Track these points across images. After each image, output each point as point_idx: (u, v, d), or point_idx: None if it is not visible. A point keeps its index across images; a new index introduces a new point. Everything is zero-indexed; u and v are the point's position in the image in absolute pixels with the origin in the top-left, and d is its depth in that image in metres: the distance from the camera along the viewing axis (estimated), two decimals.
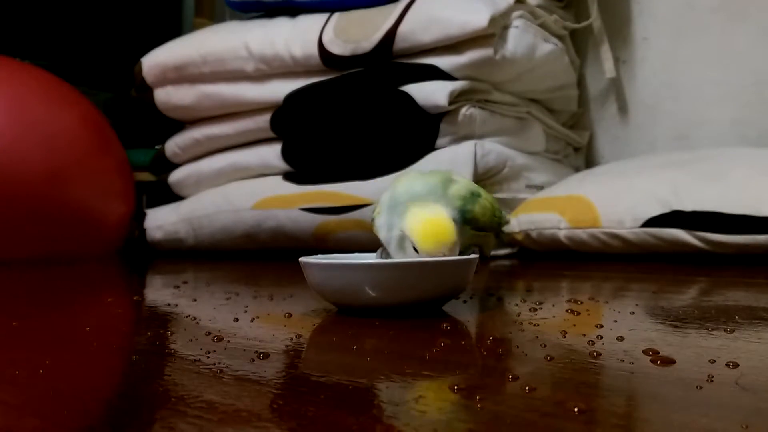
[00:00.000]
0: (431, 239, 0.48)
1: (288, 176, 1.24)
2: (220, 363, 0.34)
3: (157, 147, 1.46)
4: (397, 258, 0.50)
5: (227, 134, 1.30)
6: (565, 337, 0.40)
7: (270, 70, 1.23)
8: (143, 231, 1.40)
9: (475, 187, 0.56)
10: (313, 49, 1.18)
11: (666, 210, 0.94)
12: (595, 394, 0.29)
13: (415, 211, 0.49)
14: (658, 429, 0.24)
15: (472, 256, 0.51)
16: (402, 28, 1.11)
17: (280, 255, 1.20)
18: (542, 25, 1.19)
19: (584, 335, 0.40)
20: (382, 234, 0.52)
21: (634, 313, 0.49)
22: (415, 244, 0.48)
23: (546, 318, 0.47)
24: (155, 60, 1.35)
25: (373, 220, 0.54)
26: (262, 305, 0.58)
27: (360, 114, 1.17)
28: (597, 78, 1.41)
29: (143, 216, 1.42)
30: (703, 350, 0.36)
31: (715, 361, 0.33)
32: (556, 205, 1.06)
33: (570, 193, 1.07)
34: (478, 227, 0.54)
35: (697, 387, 0.28)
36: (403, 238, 0.50)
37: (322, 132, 1.22)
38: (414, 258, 0.49)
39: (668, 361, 0.33)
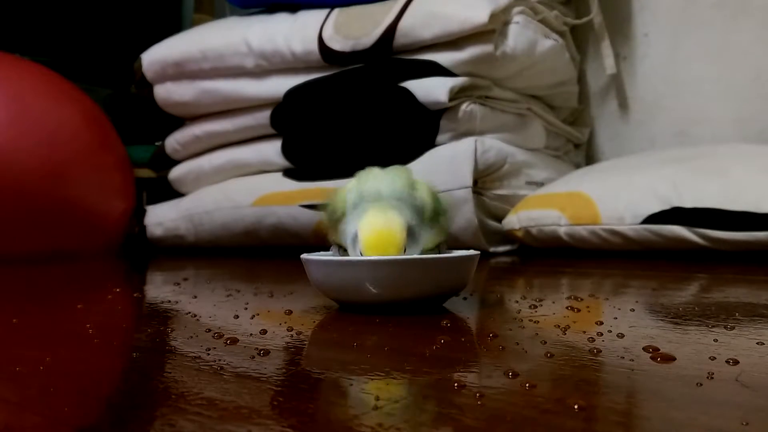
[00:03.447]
0: (374, 251, 0.47)
1: (288, 173, 1.24)
2: (220, 360, 0.34)
3: (157, 143, 1.46)
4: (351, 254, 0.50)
5: (227, 131, 1.30)
6: (565, 334, 0.40)
7: (270, 66, 1.23)
8: (143, 228, 1.40)
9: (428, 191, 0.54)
10: (313, 45, 1.17)
11: (666, 207, 0.94)
12: (595, 391, 0.29)
13: (372, 214, 0.48)
14: (658, 426, 0.24)
15: (473, 252, 0.51)
16: (402, 24, 1.10)
17: (281, 252, 1.20)
18: (543, 21, 1.19)
19: (584, 332, 0.40)
20: (349, 227, 0.50)
21: (634, 310, 0.49)
22: (362, 250, 0.48)
23: (546, 315, 0.47)
24: (155, 56, 1.35)
25: (335, 214, 0.52)
26: (263, 302, 0.58)
27: (360, 110, 1.17)
28: (597, 74, 1.41)
29: (143, 213, 1.42)
30: (703, 347, 0.36)
31: (715, 358, 0.33)
32: (556, 202, 1.05)
33: (570, 190, 1.07)
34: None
35: (697, 384, 0.28)
36: (355, 239, 0.49)
37: (322, 128, 1.22)
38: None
39: (668, 358, 0.33)
